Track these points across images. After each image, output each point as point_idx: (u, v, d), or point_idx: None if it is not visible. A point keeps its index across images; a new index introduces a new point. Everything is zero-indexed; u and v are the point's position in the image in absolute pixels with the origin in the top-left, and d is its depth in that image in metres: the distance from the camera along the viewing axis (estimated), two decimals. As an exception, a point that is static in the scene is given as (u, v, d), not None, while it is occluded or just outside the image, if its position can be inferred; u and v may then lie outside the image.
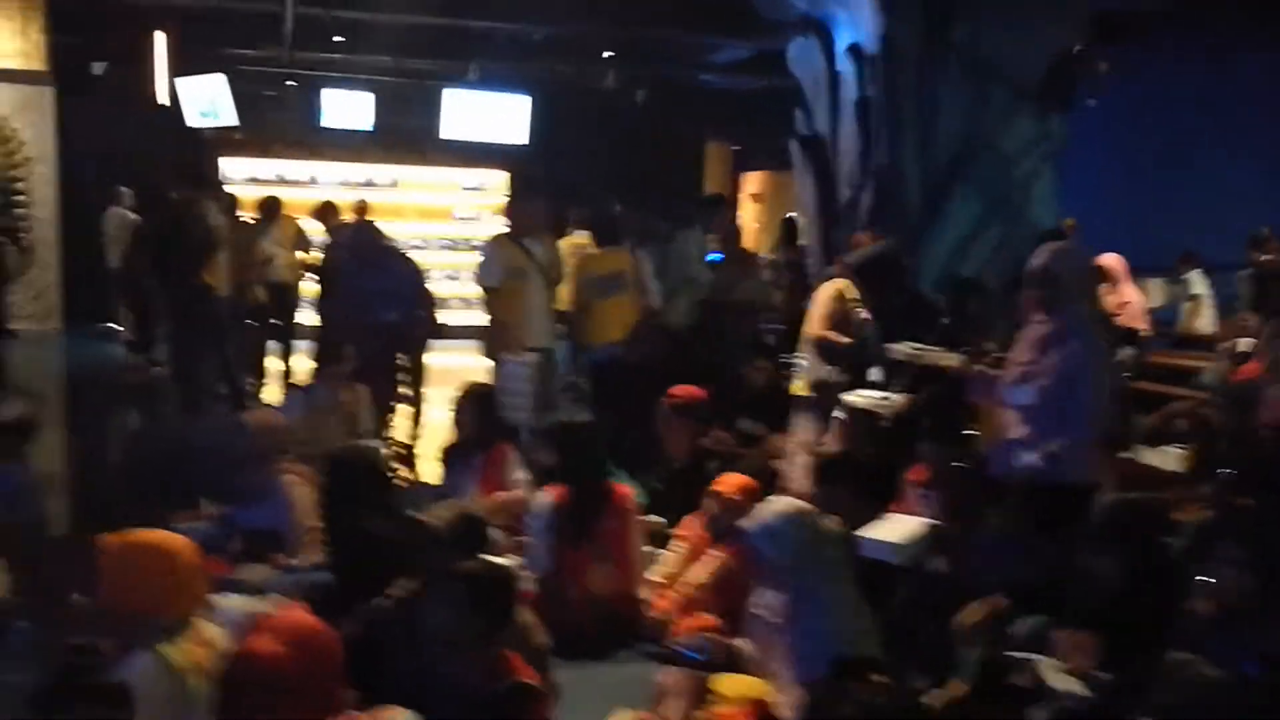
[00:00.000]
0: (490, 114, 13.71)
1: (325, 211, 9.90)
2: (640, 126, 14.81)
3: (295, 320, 9.96)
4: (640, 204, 13.59)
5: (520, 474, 5.55)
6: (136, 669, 2.87)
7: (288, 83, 13.80)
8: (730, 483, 4.68)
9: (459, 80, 13.83)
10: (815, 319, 6.34)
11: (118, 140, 12.55)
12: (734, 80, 14.66)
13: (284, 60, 13.30)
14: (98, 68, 12.89)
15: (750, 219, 17.53)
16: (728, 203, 11.98)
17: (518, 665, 3.33)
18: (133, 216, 12.03)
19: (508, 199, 14.23)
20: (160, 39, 11.14)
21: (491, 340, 7.15)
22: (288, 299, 9.78)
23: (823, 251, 9.88)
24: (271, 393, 9.63)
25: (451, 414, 5.77)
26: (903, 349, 5.47)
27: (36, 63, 11.44)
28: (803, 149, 10.22)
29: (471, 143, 13.73)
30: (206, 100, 12.76)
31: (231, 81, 12.77)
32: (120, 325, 11.94)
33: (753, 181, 18.18)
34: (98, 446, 7.69)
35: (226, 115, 12.75)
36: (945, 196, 9.05)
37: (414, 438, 7.44)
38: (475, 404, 5.63)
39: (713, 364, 7.42)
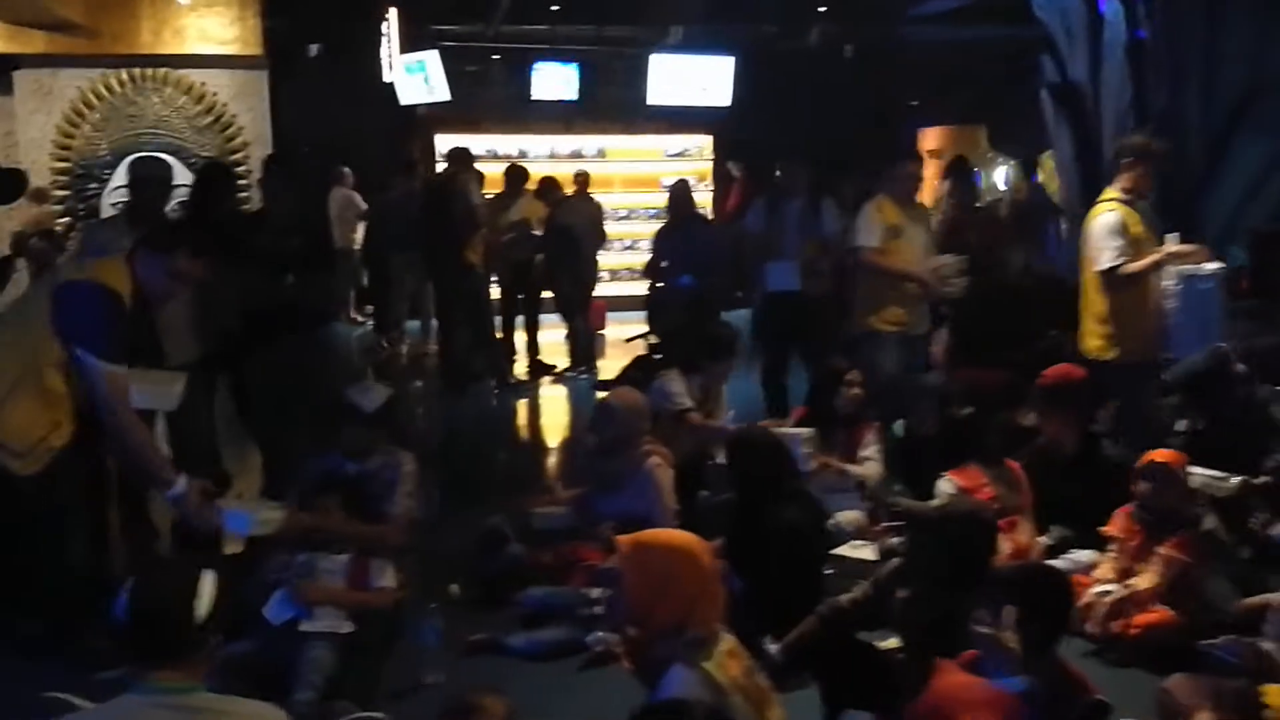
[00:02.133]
0: (694, 78, 13.51)
1: (547, 186, 9.80)
2: (847, 84, 14.42)
3: (540, 295, 9.91)
4: (844, 166, 13.33)
5: (873, 451, 5.35)
6: (681, 688, 2.62)
7: (493, 57, 13.79)
8: (1161, 454, 4.32)
9: (660, 45, 13.66)
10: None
11: (332, 121, 12.72)
12: (941, 32, 14.19)
13: (490, 35, 13.30)
14: (313, 50, 13.04)
15: (929, 176, 17.01)
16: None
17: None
18: (357, 197, 12.20)
19: (713, 163, 14.17)
20: (393, 15, 11.18)
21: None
22: (530, 274, 9.73)
23: (1081, 204, 9.46)
24: (520, 370, 9.67)
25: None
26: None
27: (253, 47, 11.61)
28: (1056, 98, 9.79)
29: (675, 108, 13.55)
30: (420, 78, 12.80)
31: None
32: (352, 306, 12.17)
33: (930, 137, 17.60)
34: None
35: (440, 92, 12.79)
36: (1229, 141, 8.55)
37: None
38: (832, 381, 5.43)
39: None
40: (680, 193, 8.07)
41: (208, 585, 2.38)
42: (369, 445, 4.48)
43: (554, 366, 9.77)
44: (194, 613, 2.33)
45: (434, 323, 11.15)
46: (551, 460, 7.08)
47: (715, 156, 14.14)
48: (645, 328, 9.15)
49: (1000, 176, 18.32)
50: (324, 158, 12.44)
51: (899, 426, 5.60)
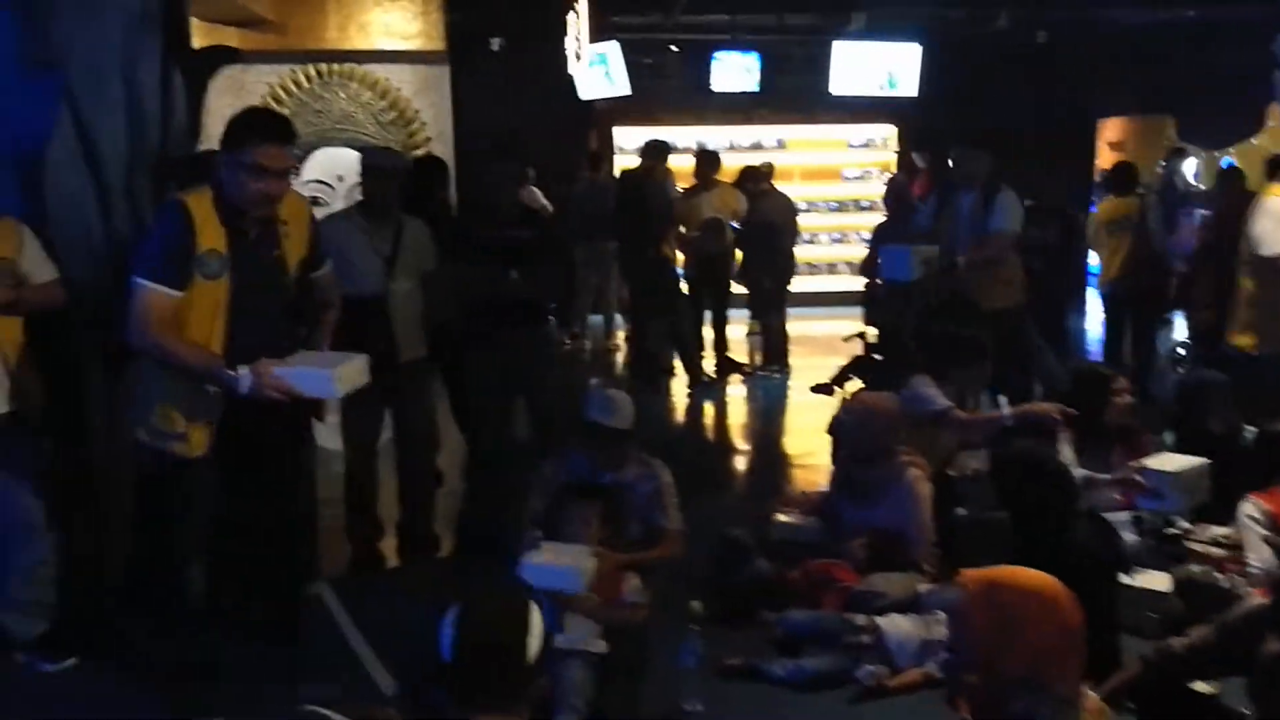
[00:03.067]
0: (879, 66, 13.04)
1: (749, 176, 9.42)
2: (1038, 71, 13.72)
3: (729, 290, 9.59)
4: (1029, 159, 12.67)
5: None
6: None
7: (671, 48, 13.52)
8: None
9: (843, 32, 13.21)
10: None
11: (511, 115, 12.62)
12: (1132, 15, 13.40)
13: (668, 26, 13.04)
14: (494, 44, 12.97)
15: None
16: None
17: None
18: (538, 193, 12.09)
19: (898, 155, 13.66)
20: (583, 6, 11.00)
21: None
22: (720, 268, 9.38)
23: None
24: (709, 367, 9.37)
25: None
26: None
27: (435, 42, 11.58)
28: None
29: (858, 98, 13.11)
30: (601, 70, 12.63)
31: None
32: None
33: (1111, 129, 16.70)
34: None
35: (620, 85, 12.59)
36: None
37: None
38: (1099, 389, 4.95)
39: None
40: (898, 186, 7.64)
41: (537, 620, 2.13)
42: (624, 457, 4.23)
43: (744, 364, 9.45)
44: (527, 651, 2.08)
45: (618, 317, 10.99)
46: (777, 465, 6.72)
47: (900, 147, 13.61)
48: (856, 326, 8.70)
49: (1189, 170, 17.36)
50: (503, 152, 12.32)
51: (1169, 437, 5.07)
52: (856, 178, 13.61)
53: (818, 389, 7.53)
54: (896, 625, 3.97)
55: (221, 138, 3.69)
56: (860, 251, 13.11)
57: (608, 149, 12.85)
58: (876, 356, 6.90)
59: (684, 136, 13.18)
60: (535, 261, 5.14)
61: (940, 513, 4.61)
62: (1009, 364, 5.86)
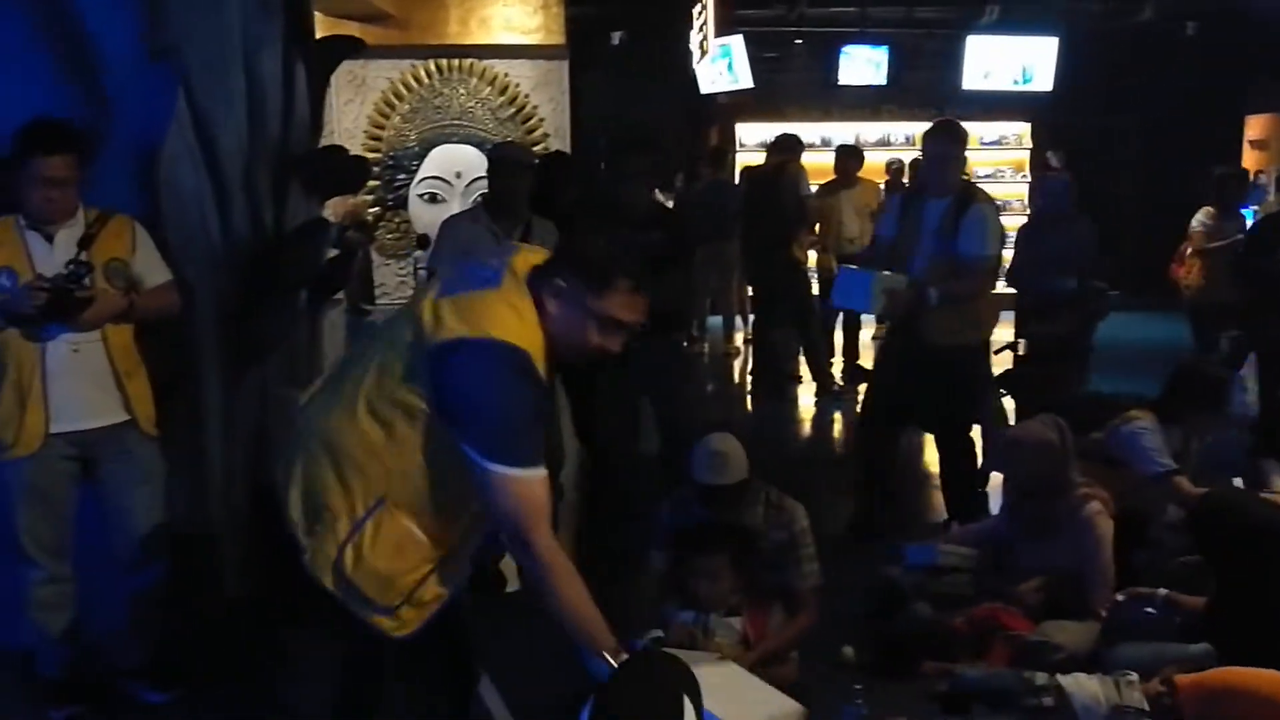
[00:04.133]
0: (1013, 60, 12.43)
1: (901, 172, 8.91)
2: (1185, 64, 12.95)
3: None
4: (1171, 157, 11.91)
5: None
6: None
7: (796, 41, 13.06)
8: None
9: (975, 25, 12.60)
10: None
11: (631, 111, 12.31)
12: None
13: (793, 18, 12.59)
14: (615, 38, 12.66)
15: (1251, 168, 15.19)
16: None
17: None
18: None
19: (1030, 152, 13.02)
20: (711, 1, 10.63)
21: None
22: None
23: None
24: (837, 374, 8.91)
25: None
26: None
27: (556, 36, 11.32)
28: None
29: (989, 92, 12.51)
30: (723, 64, 12.24)
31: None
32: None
33: (1254, 126, 15.71)
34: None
35: (743, 79, 12.19)
36: None
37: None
38: None
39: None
40: (1056, 187, 7.09)
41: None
42: (743, 503, 3.77)
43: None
44: None
45: (737, 319, 10.60)
46: (924, 487, 6.18)
47: (1033, 145, 12.97)
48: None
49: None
50: (640, 145, 12.03)
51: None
52: (987, 176, 12.98)
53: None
54: (1081, 686, 3.50)
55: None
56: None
57: (729, 145, 12.44)
58: (1029, 370, 6.36)
59: (808, 132, 12.71)
60: (665, 266, 4.75)
61: (1120, 554, 4.13)
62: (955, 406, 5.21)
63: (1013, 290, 7.06)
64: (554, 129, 11.20)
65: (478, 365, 2.39)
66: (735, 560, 3.61)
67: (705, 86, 12.53)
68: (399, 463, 2.48)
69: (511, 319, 2.44)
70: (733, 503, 3.69)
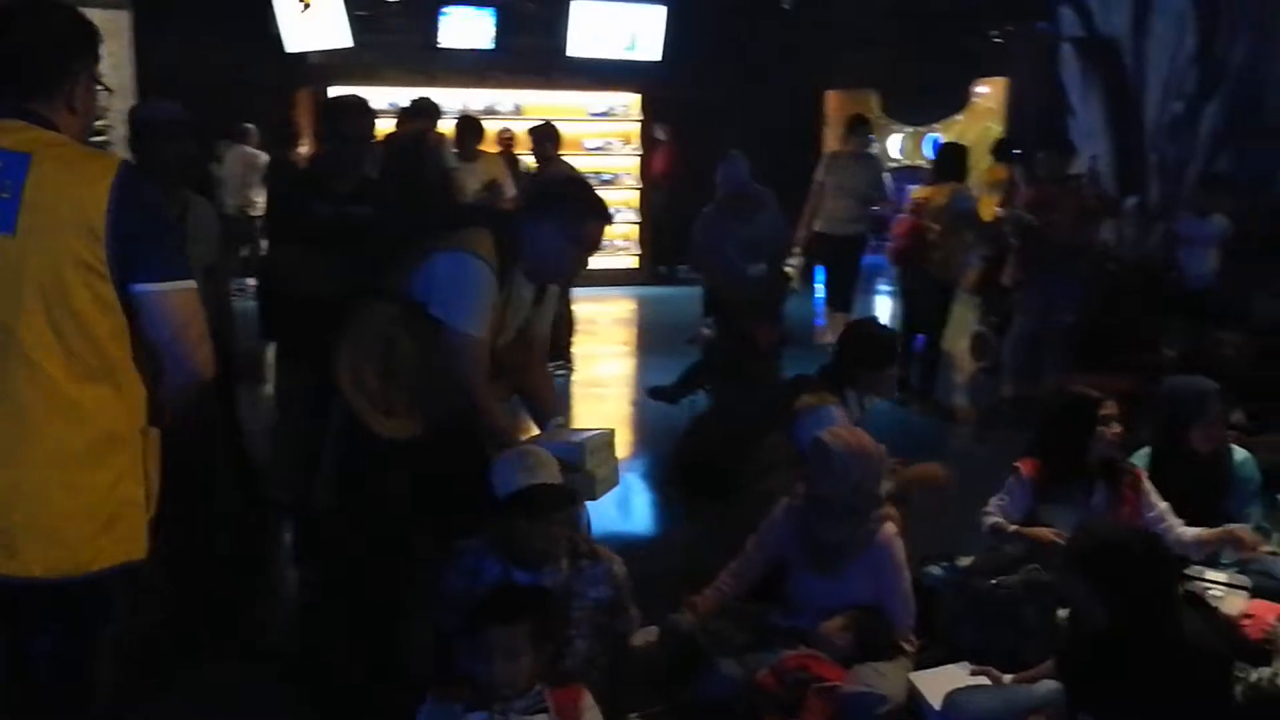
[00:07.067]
0: (622, 27, 12.10)
1: (540, 138, 8.18)
2: (774, 39, 13.15)
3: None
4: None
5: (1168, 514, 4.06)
6: None
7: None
8: None
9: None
10: None
11: (207, 70, 10.74)
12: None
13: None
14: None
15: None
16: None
17: None
18: (263, 156, 10.42)
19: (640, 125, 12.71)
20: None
21: None
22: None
23: (1116, 174, 8.52)
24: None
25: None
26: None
27: (115, -17, 9.69)
28: (1083, 54, 8.80)
29: (599, 61, 12.11)
30: (314, 21, 10.98)
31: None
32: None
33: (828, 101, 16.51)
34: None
35: (339, 37, 11.00)
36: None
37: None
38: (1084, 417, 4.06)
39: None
40: (734, 169, 6.57)
41: None
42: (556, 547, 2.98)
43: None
44: None
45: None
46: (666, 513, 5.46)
47: (644, 117, 12.70)
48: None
49: (894, 146, 17.57)
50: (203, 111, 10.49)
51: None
52: (598, 148, 12.58)
53: (657, 394, 6.43)
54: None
55: None
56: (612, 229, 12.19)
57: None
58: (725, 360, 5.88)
59: (410, 98, 11.72)
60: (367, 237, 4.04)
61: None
62: None
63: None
64: (115, 86, 9.55)
65: None
66: (537, 632, 2.76)
67: (293, 44, 11.20)
68: None
69: None
70: (559, 507, 3.04)
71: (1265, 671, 3.22)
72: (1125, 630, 2.81)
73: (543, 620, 2.78)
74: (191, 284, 2.33)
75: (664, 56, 12.33)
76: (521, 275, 3.44)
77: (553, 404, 3.76)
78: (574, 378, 8.16)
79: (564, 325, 8.25)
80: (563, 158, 8.42)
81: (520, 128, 10.78)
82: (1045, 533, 3.85)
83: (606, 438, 3.45)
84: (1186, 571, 3.80)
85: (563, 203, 3.43)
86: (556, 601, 2.91)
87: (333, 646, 3.80)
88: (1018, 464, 4.12)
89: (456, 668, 2.93)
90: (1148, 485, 3.99)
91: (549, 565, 3.00)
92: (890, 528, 3.56)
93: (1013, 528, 3.96)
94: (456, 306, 3.27)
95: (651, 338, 10.38)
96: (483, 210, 6.54)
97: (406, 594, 3.48)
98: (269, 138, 10.44)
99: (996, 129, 13.71)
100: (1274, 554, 4.21)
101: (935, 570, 3.98)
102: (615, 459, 3.49)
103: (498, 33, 11.80)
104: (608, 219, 3.46)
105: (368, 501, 3.51)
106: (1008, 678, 3.35)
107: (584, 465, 3.22)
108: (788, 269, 6.52)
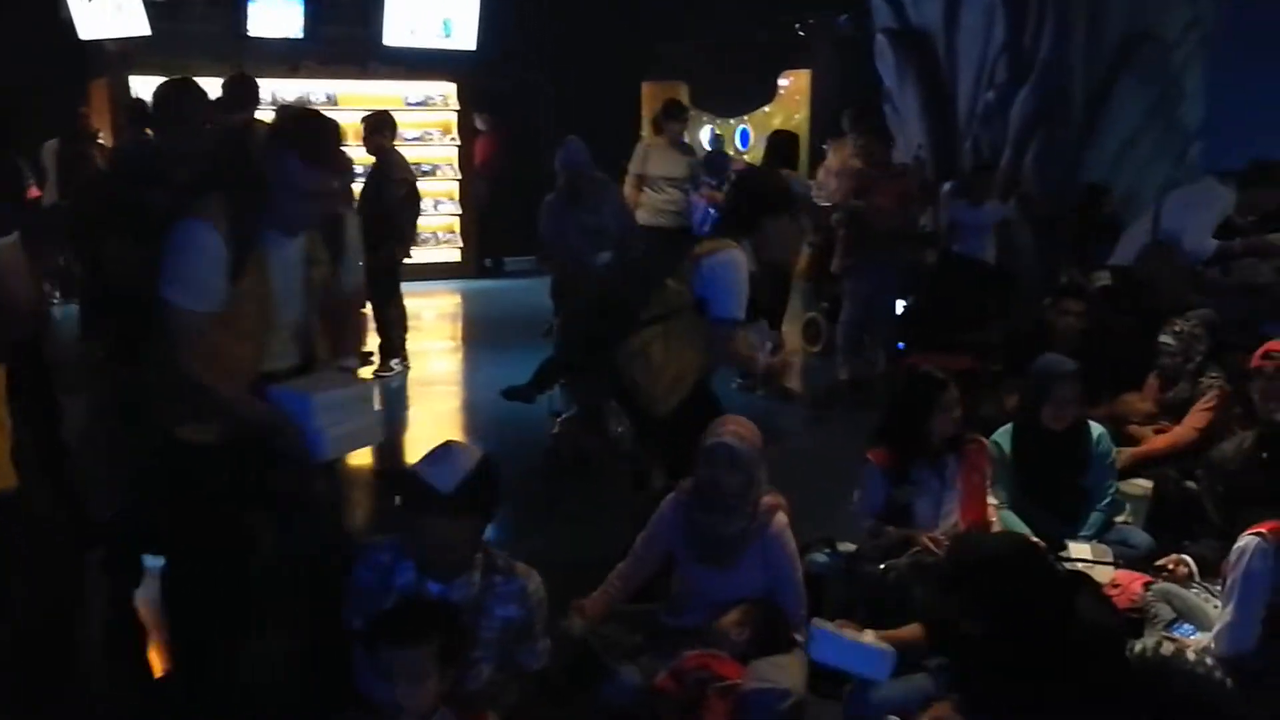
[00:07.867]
0: (435, 14, 11.84)
1: (375, 127, 7.89)
2: (595, 26, 13.10)
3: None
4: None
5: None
6: None
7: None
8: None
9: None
10: None
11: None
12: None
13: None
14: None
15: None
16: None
17: None
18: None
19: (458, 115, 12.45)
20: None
21: None
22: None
23: (936, 161, 8.80)
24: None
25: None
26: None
27: None
28: (898, 46, 9.04)
29: (414, 50, 11.81)
30: (107, 5, 10.34)
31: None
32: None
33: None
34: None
35: (135, 24, 10.38)
36: (1109, 92, 8.10)
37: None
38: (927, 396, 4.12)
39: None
40: (575, 155, 6.44)
41: None
42: (459, 552, 2.82)
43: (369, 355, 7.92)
44: None
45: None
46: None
47: (461, 106, 12.46)
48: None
49: (705, 137, 17.80)
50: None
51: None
52: (415, 139, 12.25)
53: (512, 395, 6.25)
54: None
55: None
56: (430, 221, 11.90)
57: (121, 102, 10.52)
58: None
59: (218, 89, 11.16)
60: None
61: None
62: None
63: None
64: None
65: None
66: (445, 652, 2.62)
67: (87, 31, 10.52)
68: None
69: None
70: (452, 513, 2.74)
71: (1148, 641, 3.34)
72: (1008, 635, 2.84)
73: (449, 640, 2.64)
74: None
75: (479, 45, 12.12)
76: (278, 234, 3.09)
77: (352, 347, 3.49)
78: (410, 376, 7.94)
79: (397, 322, 8.03)
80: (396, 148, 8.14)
81: (338, 119, 10.42)
82: (922, 539, 3.92)
83: (359, 392, 3.23)
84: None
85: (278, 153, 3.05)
86: (464, 618, 2.75)
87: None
88: (869, 455, 4.18)
89: (354, 686, 2.77)
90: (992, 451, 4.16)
91: (460, 577, 2.83)
92: (781, 518, 3.54)
93: (889, 529, 4.03)
94: (177, 279, 2.96)
95: (483, 333, 10.21)
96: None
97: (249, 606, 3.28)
98: (67, 131, 9.74)
99: (802, 118, 14.08)
100: (1127, 523, 4.43)
101: (820, 557, 3.99)
102: (370, 415, 3.26)
103: (309, 21, 11.34)
104: (318, 160, 3.03)
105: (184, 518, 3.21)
106: (868, 633, 3.33)
107: (313, 423, 2.99)
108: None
